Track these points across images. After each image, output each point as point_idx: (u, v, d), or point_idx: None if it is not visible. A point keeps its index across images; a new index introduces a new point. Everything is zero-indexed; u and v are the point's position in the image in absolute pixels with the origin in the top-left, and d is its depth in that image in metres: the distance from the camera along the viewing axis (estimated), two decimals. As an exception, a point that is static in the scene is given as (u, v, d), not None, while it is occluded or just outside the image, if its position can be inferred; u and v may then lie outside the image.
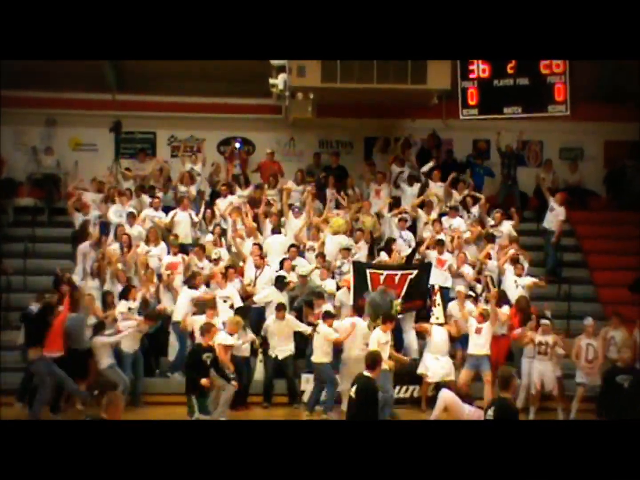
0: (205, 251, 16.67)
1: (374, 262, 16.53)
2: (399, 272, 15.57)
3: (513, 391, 8.55)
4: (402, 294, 15.28)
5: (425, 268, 15.85)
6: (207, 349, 12.92)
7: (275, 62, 16.36)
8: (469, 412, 12.39)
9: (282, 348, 14.96)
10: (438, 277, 16.20)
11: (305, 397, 15.03)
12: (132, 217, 17.28)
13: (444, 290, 15.99)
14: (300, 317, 15.41)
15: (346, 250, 16.63)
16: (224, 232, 17.27)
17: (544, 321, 14.59)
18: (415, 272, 15.58)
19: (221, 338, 13.83)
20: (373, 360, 9.27)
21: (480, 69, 15.88)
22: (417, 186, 18.62)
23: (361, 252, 16.97)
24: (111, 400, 8.35)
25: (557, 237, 18.15)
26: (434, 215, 17.72)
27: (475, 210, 18.09)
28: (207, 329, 13.15)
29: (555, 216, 18.09)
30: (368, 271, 15.49)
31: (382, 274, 15.36)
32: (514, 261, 16.36)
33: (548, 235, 18.28)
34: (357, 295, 15.35)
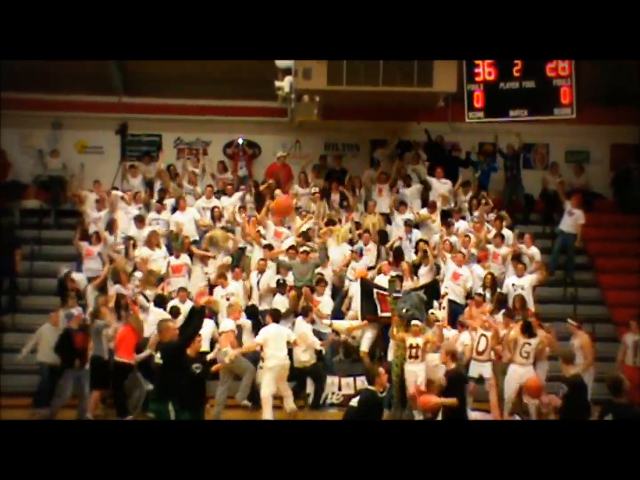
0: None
1: (380, 264, 16.50)
2: None
3: (626, 395, 8.81)
4: None
5: (431, 285, 15.61)
6: (195, 360, 11.50)
7: (280, 65, 16.39)
8: (475, 417, 12.34)
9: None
10: (450, 291, 15.96)
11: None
12: (139, 221, 17.32)
13: (455, 306, 15.86)
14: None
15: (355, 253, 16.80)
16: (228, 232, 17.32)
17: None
18: (421, 292, 15.29)
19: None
20: (372, 375, 9.36)
21: (486, 71, 15.90)
22: (415, 187, 18.62)
23: (370, 254, 16.97)
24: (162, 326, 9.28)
25: (579, 242, 18.09)
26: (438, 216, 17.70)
27: (477, 212, 17.99)
28: None
29: (574, 220, 17.97)
30: (375, 291, 15.38)
31: (389, 295, 15.21)
32: (516, 260, 16.39)
33: (563, 238, 18.14)
34: (365, 314, 15.26)
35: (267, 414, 13.67)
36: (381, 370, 9.71)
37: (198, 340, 11.53)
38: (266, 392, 13.80)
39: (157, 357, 12.11)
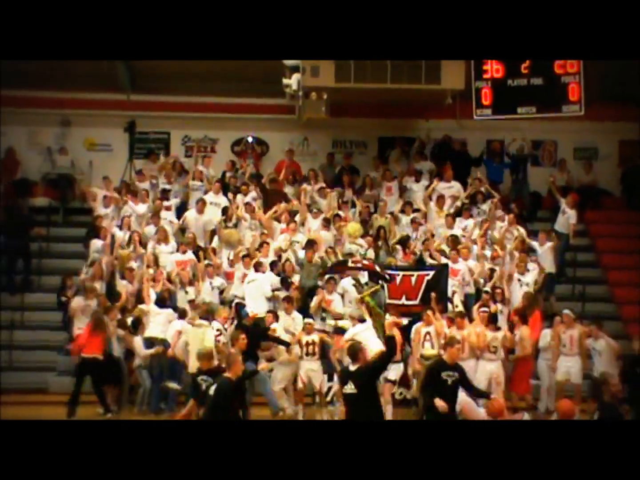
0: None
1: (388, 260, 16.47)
2: (415, 273, 15.25)
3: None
4: (419, 296, 15.00)
5: (442, 269, 15.52)
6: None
7: (288, 62, 16.41)
8: (485, 415, 12.30)
9: None
10: (457, 288, 15.93)
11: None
12: (155, 217, 17.30)
13: (470, 300, 15.92)
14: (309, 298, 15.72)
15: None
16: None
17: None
18: (431, 273, 15.23)
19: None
20: (354, 352, 9.33)
21: (494, 68, 15.90)
22: (424, 183, 18.58)
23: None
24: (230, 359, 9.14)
25: (573, 238, 18.00)
26: (446, 210, 17.70)
27: (485, 206, 17.97)
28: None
29: (567, 219, 17.95)
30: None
31: (398, 274, 15.17)
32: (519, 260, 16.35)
33: (559, 237, 18.08)
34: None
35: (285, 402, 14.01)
36: (362, 346, 9.73)
37: (242, 339, 11.73)
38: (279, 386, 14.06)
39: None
